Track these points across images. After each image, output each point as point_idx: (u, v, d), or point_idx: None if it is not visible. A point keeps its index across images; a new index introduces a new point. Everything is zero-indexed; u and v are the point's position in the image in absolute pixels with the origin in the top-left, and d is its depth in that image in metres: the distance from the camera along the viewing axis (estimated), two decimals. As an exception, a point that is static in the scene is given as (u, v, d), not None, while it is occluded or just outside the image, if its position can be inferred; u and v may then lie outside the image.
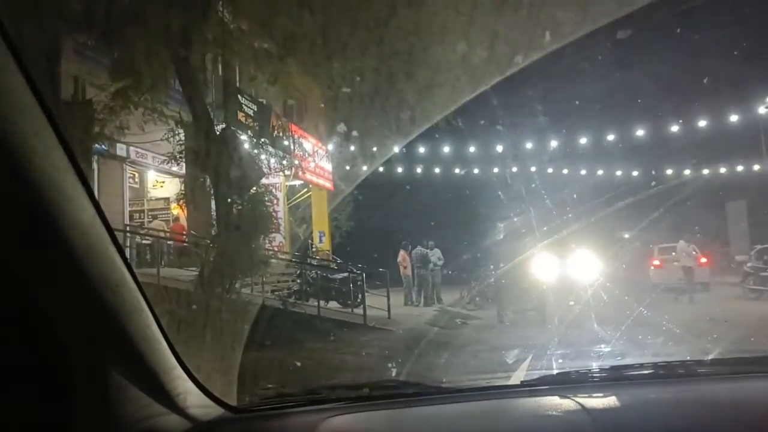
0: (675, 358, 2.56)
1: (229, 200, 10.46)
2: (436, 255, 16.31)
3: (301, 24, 11.09)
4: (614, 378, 1.94)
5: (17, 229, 0.90)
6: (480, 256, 17.45)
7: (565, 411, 1.61)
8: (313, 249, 19.74)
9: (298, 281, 14.55)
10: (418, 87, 11.99)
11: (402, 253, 16.76)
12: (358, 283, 13.68)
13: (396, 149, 14.86)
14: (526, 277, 13.18)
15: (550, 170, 22.55)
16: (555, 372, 1.96)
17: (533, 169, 21.68)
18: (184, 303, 7.98)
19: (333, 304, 13.40)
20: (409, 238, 17.58)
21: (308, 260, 17.29)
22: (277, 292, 12.70)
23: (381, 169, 19.17)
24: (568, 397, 1.67)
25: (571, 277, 13.77)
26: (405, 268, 16.41)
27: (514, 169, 21.84)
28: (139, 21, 9.36)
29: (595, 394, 1.72)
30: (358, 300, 13.22)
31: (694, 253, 16.58)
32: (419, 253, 16.33)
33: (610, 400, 1.69)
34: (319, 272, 14.96)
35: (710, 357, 2.16)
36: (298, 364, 7.29)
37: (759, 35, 20.87)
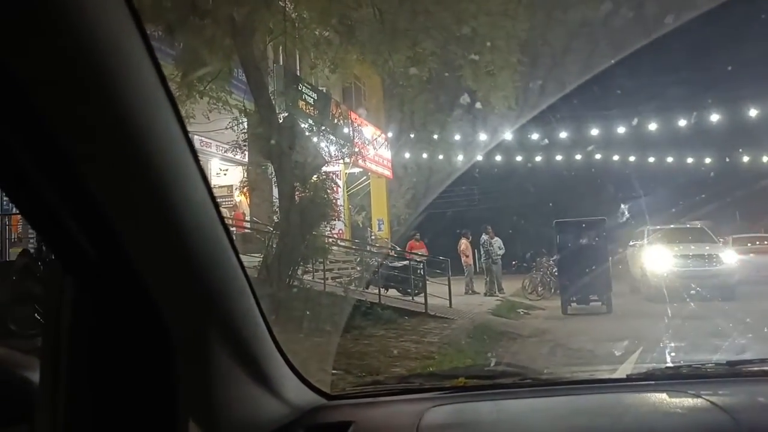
0: None
1: (291, 187, 10.57)
2: (497, 244, 16.12)
3: (361, 10, 11.06)
4: (732, 374, 1.76)
5: (135, 208, 0.88)
6: (542, 245, 17.16)
7: (689, 408, 1.48)
8: (372, 237, 19.81)
9: (358, 268, 14.62)
10: (478, 72, 11.80)
11: (464, 241, 16.62)
12: (418, 271, 13.62)
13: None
14: (591, 265, 12.84)
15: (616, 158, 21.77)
16: (664, 366, 1.82)
17: (598, 156, 21.04)
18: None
19: (393, 292, 13.39)
20: (469, 226, 17.41)
21: (368, 248, 17.35)
22: (338, 279, 12.78)
23: (440, 156, 19.00)
24: (686, 393, 1.54)
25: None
26: (467, 257, 16.27)
27: (578, 157, 21.28)
28: (204, 11, 9.53)
29: (713, 391, 1.56)
30: (418, 288, 13.17)
31: None
32: (483, 242, 16.16)
33: (735, 398, 1.54)
34: (378, 260, 14.98)
35: None
36: (361, 350, 7.31)
37: None
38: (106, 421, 0.94)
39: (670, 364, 1.89)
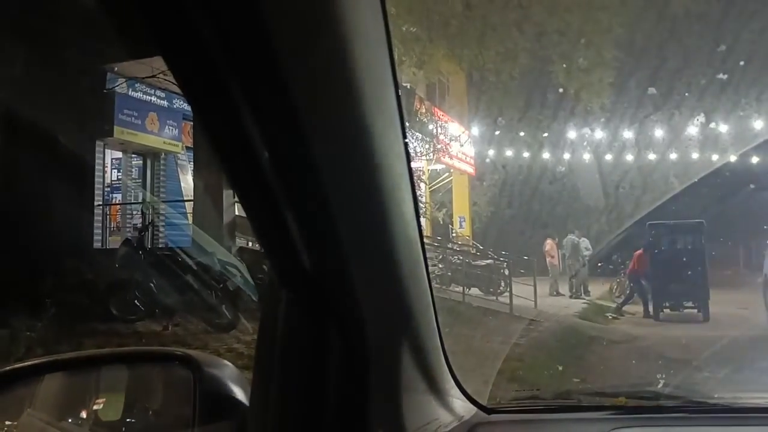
0: None
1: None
2: (583, 245, 15.62)
3: (450, 5, 10.95)
4: None
5: (357, 221, 0.89)
6: (630, 247, 16.48)
7: None
8: (454, 234, 19.63)
9: (440, 266, 14.50)
10: (570, 68, 11.47)
11: (549, 241, 16.22)
12: (502, 270, 13.39)
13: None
14: (686, 270, 12.21)
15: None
16: None
17: (695, 156, 19.95)
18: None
19: (475, 291, 13.21)
20: (554, 226, 16.98)
21: (449, 245, 17.20)
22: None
23: (526, 154, 18.62)
24: None
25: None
26: (552, 257, 15.85)
27: (672, 156, 20.28)
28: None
29: None
30: (501, 288, 12.94)
31: None
32: (570, 243, 15.69)
33: None
34: (461, 258, 14.82)
35: None
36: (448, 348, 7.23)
37: None
38: (310, 427, 0.98)
39: None
